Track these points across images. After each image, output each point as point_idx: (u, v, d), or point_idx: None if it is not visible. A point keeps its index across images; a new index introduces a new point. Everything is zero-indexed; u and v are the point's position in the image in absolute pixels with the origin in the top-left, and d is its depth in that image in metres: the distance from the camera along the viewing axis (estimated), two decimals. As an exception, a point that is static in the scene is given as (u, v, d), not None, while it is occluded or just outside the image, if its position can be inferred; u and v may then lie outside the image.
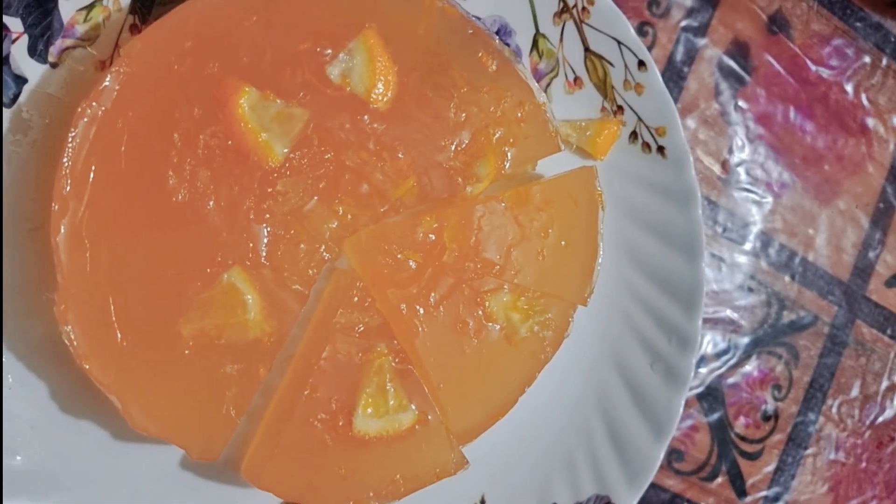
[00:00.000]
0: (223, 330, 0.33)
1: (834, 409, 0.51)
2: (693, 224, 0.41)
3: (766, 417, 0.49)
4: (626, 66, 0.41)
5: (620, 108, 0.41)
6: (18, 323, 0.34)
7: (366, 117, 0.35)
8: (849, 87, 0.51)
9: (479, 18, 0.39)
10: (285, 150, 0.34)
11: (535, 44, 0.41)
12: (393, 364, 0.35)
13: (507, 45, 0.39)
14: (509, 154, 0.37)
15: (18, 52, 0.33)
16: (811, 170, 0.51)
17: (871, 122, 0.51)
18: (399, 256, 0.36)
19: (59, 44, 0.33)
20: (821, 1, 0.51)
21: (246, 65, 0.33)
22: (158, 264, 0.32)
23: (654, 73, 0.40)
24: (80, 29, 0.34)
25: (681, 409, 0.41)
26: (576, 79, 0.41)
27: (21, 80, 0.33)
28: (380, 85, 0.35)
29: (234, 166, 0.33)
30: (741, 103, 0.49)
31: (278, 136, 0.33)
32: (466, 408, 0.37)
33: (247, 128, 0.33)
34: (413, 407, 0.36)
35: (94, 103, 0.31)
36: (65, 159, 0.30)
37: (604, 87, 0.41)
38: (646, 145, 0.41)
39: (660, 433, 0.41)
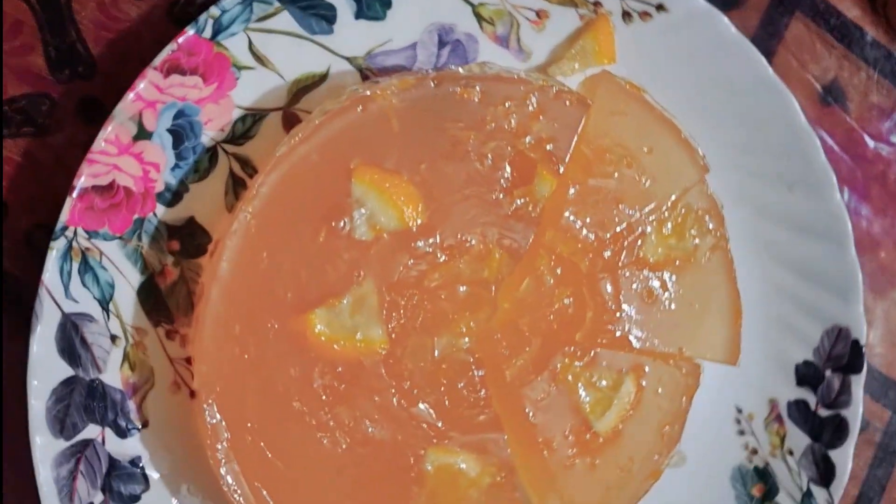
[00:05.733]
0: None
1: (885, 526, 0.46)
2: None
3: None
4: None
5: (596, 3, 0.37)
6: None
7: (419, 242, 0.32)
8: (910, 166, 0.46)
9: (414, 46, 0.35)
10: (382, 330, 0.32)
11: (479, 18, 0.36)
12: (577, 364, 0.35)
13: (459, 42, 0.36)
14: (552, 149, 0.34)
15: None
16: (865, 257, 0.45)
17: (932, 203, 0.46)
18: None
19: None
20: (882, 71, 0.45)
21: (295, 297, 0.31)
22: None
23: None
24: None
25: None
26: (538, 13, 0.37)
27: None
28: (406, 206, 0.32)
29: (358, 382, 0.32)
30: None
31: (368, 325, 0.32)
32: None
33: (341, 346, 0.32)
34: (623, 371, 0.35)
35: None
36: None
37: None
38: (644, 14, 0.37)
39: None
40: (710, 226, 0.37)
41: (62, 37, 0.33)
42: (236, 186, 0.33)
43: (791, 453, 0.40)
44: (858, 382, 0.39)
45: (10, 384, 0.33)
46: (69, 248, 0.30)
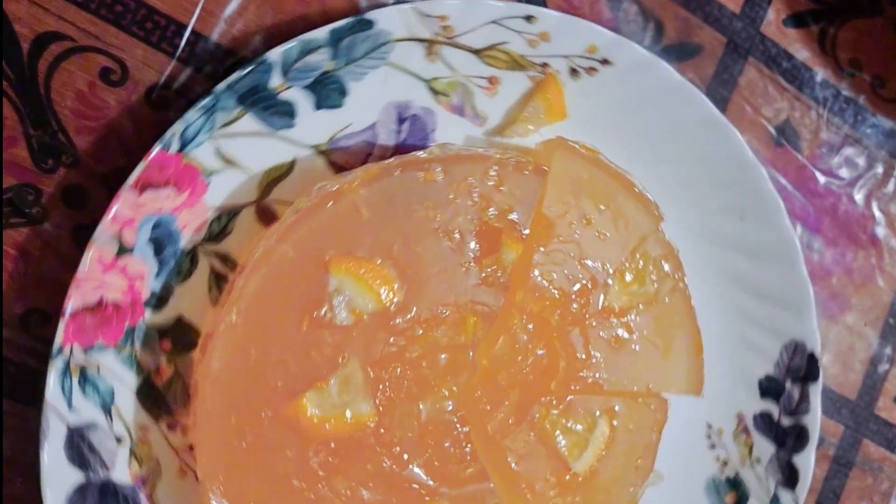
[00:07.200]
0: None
1: (839, 534, 0.49)
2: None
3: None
4: (518, 33, 0.37)
5: (543, 64, 0.38)
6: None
7: (397, 320, 0.34)
8: (858, 197, 0.47)
9: (373, 126, 0.37)
10: (370, 404, 0.34)
11: (433, 91, 0.38)
12: (554, 412, 0.37)
13: (416, 116, 0.37)
14: (515, 217, 0.36)
15: None
16: (818, 285, 0.47)
17: (881, 232, 0.47)
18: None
19: None
20: (831, 109, 0.47)
21: (285, 385, 0.33)
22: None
23: (545, 12, 0.37)
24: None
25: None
26: (489, 80, 0.38)
27: None
28: (382, 288, 0.34)
29: (351, 455, 0.34)
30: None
31: (356, 401, 0.34)
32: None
33: (332, 425, 0.33)
34: (597, 413, 0.38)
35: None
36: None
37: (516, 63, 0.38)
38: (590, 69, 0.39)
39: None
40: (668, 269, 0.39)
41: (44, 128, 0.34)
42: (219, 281, 0.35)
43: (759, 461, 0.43)
44: (816, 390, 0.42)
45: (12, 462, 0.34)
46: (67, 366, 0.32)
